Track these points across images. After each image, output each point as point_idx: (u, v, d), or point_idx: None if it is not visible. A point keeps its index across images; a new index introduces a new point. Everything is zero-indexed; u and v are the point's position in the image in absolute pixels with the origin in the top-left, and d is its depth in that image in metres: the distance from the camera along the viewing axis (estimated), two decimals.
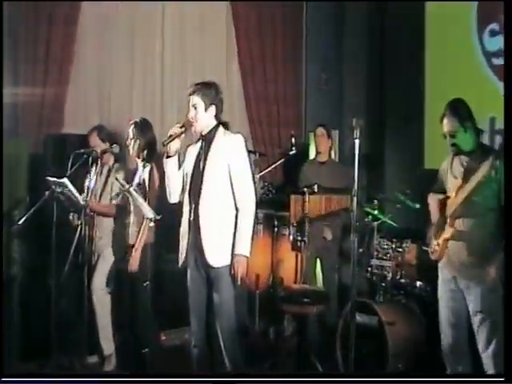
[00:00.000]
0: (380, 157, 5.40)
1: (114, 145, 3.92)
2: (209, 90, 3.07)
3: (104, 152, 3.95)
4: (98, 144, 4.03)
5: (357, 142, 2.90)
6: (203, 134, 3.09)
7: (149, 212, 3.48)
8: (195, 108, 3.03)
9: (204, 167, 3.07)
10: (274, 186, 4.99)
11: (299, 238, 4.30)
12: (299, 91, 5.58)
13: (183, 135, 3.06)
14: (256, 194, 3.00)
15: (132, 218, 3.71)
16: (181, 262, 3.09)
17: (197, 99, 3.05)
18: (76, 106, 4.58)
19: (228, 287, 2.98)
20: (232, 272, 2.94)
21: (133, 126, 3.73)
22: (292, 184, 4.74)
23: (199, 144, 3.12)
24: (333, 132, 4.75)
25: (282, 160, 4.66)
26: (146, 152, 3.70)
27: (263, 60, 5.31)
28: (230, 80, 5.22)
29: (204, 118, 3.05)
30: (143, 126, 3.74)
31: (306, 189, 4.21)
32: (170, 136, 3.02)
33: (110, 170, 4.10)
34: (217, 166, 3.04)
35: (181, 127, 3.01)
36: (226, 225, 3.01)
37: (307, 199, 4.19)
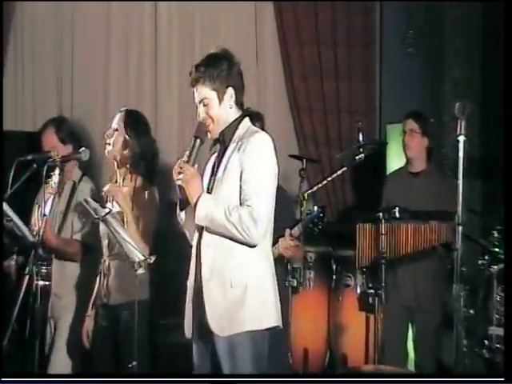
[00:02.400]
0: (499, 164, 4.83)
1: (82, 149, 3.81)
2: (218, 67, 3.05)
3: (66, 159, 3.85)
4: (55, 146, 4.04)
5: (461, 139, 2.99)
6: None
7: (136, 252, 3.45)
8: (205, 104, 3.05)
9: (214, 182, 3.10)
10: (332, 209, 5.20)
11: (372, 291, 4.29)
12: (369, 57, 5.65)
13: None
14: (264, 227, 2.98)
15: (107, 262, 3.75)
16: (188, 331, 3.08)
17: (204, 90, 3.05)
18: (21, 93, 4.93)
19: (246, 365, 2.96)
20: None
21: (124, 117, 3.78)
22: (360, 207, 4.91)
23: (216, 149, 3.18)
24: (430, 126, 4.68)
25: (344, 169, 4.51)
26: (138, 162, 3.77)
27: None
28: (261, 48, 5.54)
29: (222, 112, 3.07)
30: (139, 123, 3.83)
31: (381, 214, 4.15)
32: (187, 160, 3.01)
33: (74, 187, 4.11)
34: (229, 180, 3.03)
35: (195, 140, 3.02)
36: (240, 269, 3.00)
37: (384, 230, 4.13)
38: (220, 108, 3.06)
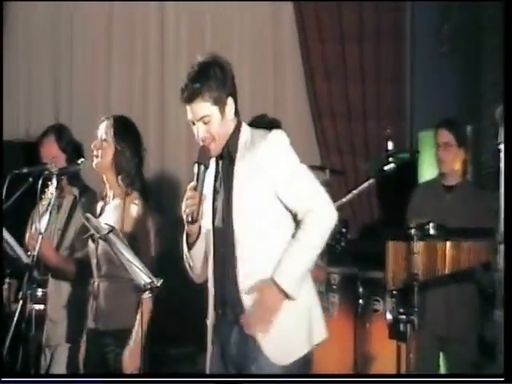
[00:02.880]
0: None
1: (82, 160, 3.84)
2: (214, 77, 2.98)
3: (64, 172, 3.87)
4: (56, 156, 4.08)
5: (502, 147, 3.00)
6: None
7: (142, 274, 3.39)
8: (205, 122, 2.98)
9: (231, 195, 3.02)
10: (358, 225, 5.20)
11: (403, 317, 4.14)
12: (400, 56, 5.64)
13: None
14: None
15: (98, 285, 3.69)
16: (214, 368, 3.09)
17: (203, 106, 2.97)
18: (20, 100, 5.02)
19: None
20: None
21: (112, 125, 3.74)
22: (389, 222, 4.86)
23: (213, 166, 3.12)
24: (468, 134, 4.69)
25: (371, 181, 4.50)
26: (129, 174, 3.72)
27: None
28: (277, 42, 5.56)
29: (224, 127, 3.02)
30: (129, 130, 3.80)
31: (413, 230, 4.07)
32: (193, 211, 2.97)
33: (74, 202, 4.11)
34: (253, 187, 2.98)
35: (198, 166, 2.97)
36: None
37: (417, 249, 4.07)
38: (222, 123, 2.99)
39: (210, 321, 3.11)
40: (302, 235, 2.96)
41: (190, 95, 2.93)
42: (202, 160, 2.97)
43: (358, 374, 3.48)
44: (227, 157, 3.06)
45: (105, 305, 3.65)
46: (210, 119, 2.97)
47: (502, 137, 3.04)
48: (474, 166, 5.25)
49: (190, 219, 2.96)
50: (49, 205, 3.79)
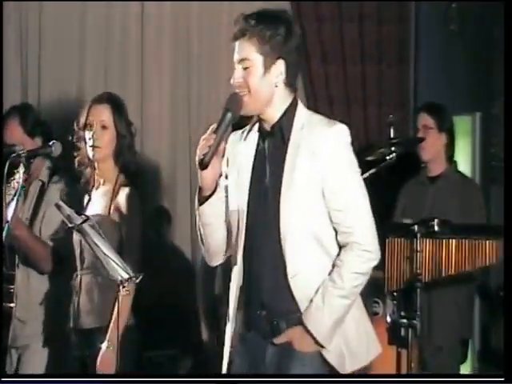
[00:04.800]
0: None
1: (53, 142, 3.74)
2: (273, 28, 2.82)
3: (33, 155, 3.87)
4: (21, 140, 4.04)
5: None
6: (263, 117, 2.92)
7: (120, 270, 3.32)
8: (244, 67, 2.82)
9: (278, 182, 2.87)
10: None
11: (404, 321, 4.15)
12: (403, 35, 5.66)
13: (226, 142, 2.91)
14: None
15: (80, 278, 3.70)
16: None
17: (248, 48, 2.82)
18: None
19: None
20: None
21: (111, 109, 3.73)
22: (390, 218, 4.72)
23: (254, 139, 2.97)
24: (454, 118, 4.62)
25: (372, 171, 4.32)
26: (125, 159, 3.73)
27: None
28: None
29: (264, 85, 2.84)
30: (125, 112, 3.80)
31: (416, 227, 4.07)
32: (206, 153, 2.80)
33: (43, 188, 4.08)
34: (304, 180, 2.85)
35: (225, 112, 2.80)
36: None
37: (420, 246, 4.07)
38: (263, 79, 2.82)
39: (231, 326, 2.97)
40: (337, 278, 2.85)
41: (239, 31, 2.80)
42: (231, 106, 2.82)
43: (357, 374, 3.41)
44: (279, 136, 2.90)
45: (87, 301, 3.66)
46: (250, 66, 2.82)
47: None
48: (481, 158, 5.42)
49: (200, 162, 2.81)
50: (16, 191, 3.79)
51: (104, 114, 3.72)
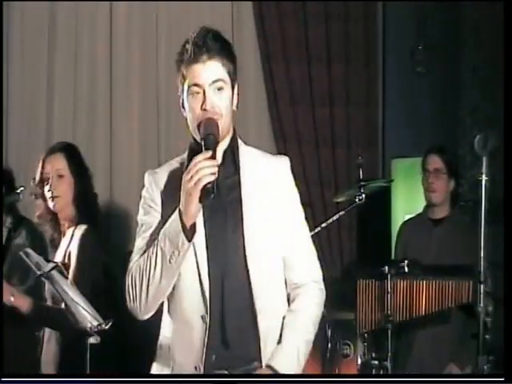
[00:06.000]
0: None
1: (21, 188, 3.74)
2: (229, 49, 2.71)
3: None
4: None
5: (483, 179, 2.97)
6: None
7: (89, 316, 3.32)
8: (219, 88, 2.65)
9: (238, 214, 2.74)
10: (326, 262, 5.09)
11: (375, 363, 4.20)
12: (371, 76, 5.68)
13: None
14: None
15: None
16: None
17: (220, 68, 2.66)
18: None
19: None
20: None
21: (66, 157, 3.76)
22: (360, 259, 4.88)
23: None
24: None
25: (341, 214, 4.51)
26: (79, 203, 3.75)
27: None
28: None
29: (231, 109, 2.72)
30: (81, 158, 3.83)
31: (387, 268, 4.11)
32: (211, 182, 2.54)
33: (9, 235, 4.00)
34: (262, 209, 2.75)
35: (206, 137, 2.59)
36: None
37: (390, 288, 4.11)
38: (231, 102, 2.70)
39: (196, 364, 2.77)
40: (300, 326, 2.78)
41: (208, 51, 2.62)
42: (211, 131, 2.60)
43: (358, 373, 3.74)
44: (230, 160, 2.77)
45: (56, 351, 3.68)
46: (223, 87, 2.66)
47: (484, 167, 2.96)
48: None
49: (207, 192, 2.51)
50: None
51: (59, 162, 3.73)
